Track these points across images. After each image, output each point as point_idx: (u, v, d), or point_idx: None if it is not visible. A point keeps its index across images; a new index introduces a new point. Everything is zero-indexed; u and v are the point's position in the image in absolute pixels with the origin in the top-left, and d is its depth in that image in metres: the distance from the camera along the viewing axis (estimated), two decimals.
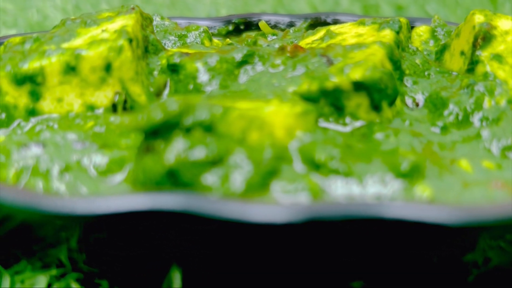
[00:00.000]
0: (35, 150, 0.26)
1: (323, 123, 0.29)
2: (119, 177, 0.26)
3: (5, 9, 0.71)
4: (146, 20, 0.34)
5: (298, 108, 0.26)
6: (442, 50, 0.37)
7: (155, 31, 0.40)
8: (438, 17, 0.42)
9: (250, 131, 0.25)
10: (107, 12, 0.34)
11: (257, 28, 0.46)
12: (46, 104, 0.30)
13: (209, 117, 0.24)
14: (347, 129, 0.29)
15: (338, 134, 0.27)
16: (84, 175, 0.26)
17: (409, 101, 0.32)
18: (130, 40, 0.30)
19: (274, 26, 0.46)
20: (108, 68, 0.29)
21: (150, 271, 0.24)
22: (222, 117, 0.24)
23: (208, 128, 0.24)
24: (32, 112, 0.30)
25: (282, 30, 0.44)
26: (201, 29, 0.39)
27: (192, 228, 0.21)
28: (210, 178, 0.23)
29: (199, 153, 0.23)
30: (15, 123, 0.30)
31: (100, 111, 0.30)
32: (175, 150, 0.23)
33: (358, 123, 0.29)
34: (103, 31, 0.31)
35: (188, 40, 0.38)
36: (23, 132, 0.30)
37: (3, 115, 0.30)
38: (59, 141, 0.27)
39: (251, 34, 0.42)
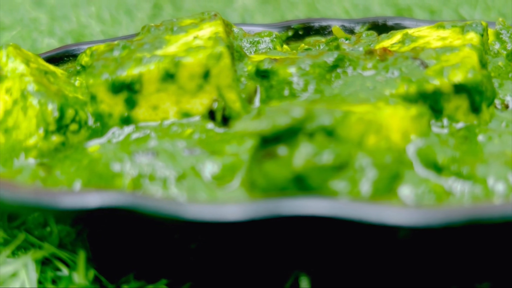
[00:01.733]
0: (148, 157, 0.26)
1: None
2: (234, 183, 0.26)
3: (38, 19, 0.70)
4: (228, 27, 0.34)
5: (413, 111, 0.26)
6: None
7: None
8: (502, 20, 0.42)
9: (368, 134, 0.25)
10: (188, 19, 0.34)
11: (316, 33, 0.46)
12: (141, 112, 0.30)
13: (332, 122, 0.24)
14: (445, 131, 0.29)
15: (450, 136, 0.27)
16: (200, 181, 0.26)
17: (497, 102, 0.32)
18: (228, 47, 0.30)
19: (331, 32, 0.46)
20: (206, 75, 0.29)
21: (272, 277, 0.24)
22: (342, 121, 0.24)
23: (330, 132, 0.24)
24: (126, 120, 0.30)
25: (351, 33, 0.44)
26: (274, 35, 0.39)
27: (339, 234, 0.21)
28: (339, 183, 0.23)
29: (327, 158, 0.23)
30: (110, 132, 0.30)
31: (195, 118, 0.30)
32: (303, 155, 0.23)
33: (457, 125, 0.29)
34: (195, 38, 0.31)
35: (261, 46, 0.38)
36: (120, 141, 0.29)
37: (98, 124, 0.30)
38: (169, 148, 0.27)
39: (320, 39, 0.42)
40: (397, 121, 0.26)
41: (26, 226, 0.28)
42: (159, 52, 0.30)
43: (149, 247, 0.25)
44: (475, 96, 0.29)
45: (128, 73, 0.29)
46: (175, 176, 0.25)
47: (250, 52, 0.38)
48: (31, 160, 0.28)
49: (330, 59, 0.31)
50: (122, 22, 0.67)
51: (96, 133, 0.30)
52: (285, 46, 0.40)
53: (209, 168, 0.26)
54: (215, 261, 0.25)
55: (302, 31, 0.46)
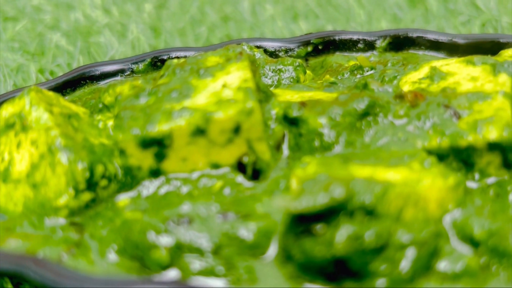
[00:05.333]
0: (183, 225, 0.26)
1: None
2: (270, 251, 0.26)
3: (41, 7, 0.68)
4: (253, 65, 0.33)
5: (451, 181, 0.26)
6: None
7: None
8: None
9: (406, 208, 0.25)
10: (213, 57, 0.33)
11: (335, 47, 0.45)
12: (170, 164, 0.29)
13: (373, 200, 0.24)
14: (476, 185, 0.29)
15: (483, 199, 0.27)
16: (236, 251, 0.26)
17: None
18: (260, 101, 0.29)
19: (352, 45, 0.45)
20: (237, 130, 0.29)
21: None
22: (382, 197, 0.24)
23: (370, 212, 0.24)
24: (155, 173, 0.30)
25: (372, 48, 0.43)
26: (297, 63, 0.38)
27: None
28: (379, 265, 0.23)
29: (369, 240, 0.23)
30: (140, 185, 0.30)
31: (225, 170, 0.30)
32: (345, 236, 0.23)
33: (488, 180, 0.29)
34: (224, 86, 0.30)
35: (284, 76, 0.38)
36: (150, 195, 0.29)
37: (127, 177, 0.29)
38: (203, 214, 0.27)
39: (342, 63, 0.41)
40: (435, 192, 0.25)
41: None
42: (187, 103, 0.29)
43: None
44: (509, 153, 0.28)
45: (159, 129, 0.28)
46: (211, 247, 0.25)
47: (273, 82, 0.38)
48: (62, 220, 0.28)
49: (360, 106, 0.31)
50: (130, 15, 0.65)
51: (126, 186, 0.30)
52: (308, 72, 0.40)
53: (244, 235, 0.26)
54: None
55: (321, 46, 0.45)
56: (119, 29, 0.62)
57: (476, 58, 0.35)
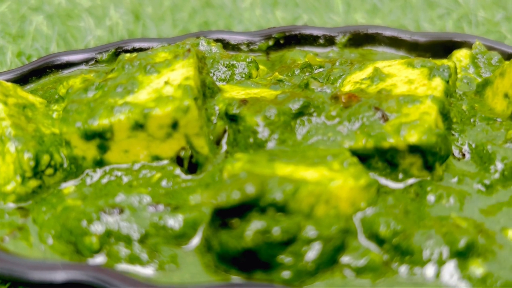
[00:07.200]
0: (114, 215, 0.28)
1: (376, 178, 0.31)
2: (194, 241, 0.28)
3: None
4: (201, 61, 0.35)
5: (362, 181, 0.28)
6: (484, 85, 0.38)
7: None
8: (479, 43, 0.43)
9: (318, 205, 0.27)
10: (163, 52, 0.35)
11: (296, 42, 0.47)
12: (113, 155, 0.31)
13: (283, 197, 0.26)
14: (400, 185, 0.31)
15: (396, 199, 0.29)
16: (162, 240, 0.28)
17: (456, 151, 0.33)
18: (196, 99, 0.31)
19: (313, 40, 0.47)
20: (174, 125, 0.31)
21: None
22: (293, 195, 0.26)
23: (281, 208, 0.26)
24: (99, 163, 0.32)
25: (332, 43, 0.44)
26: (249, 59, 0.39)
27: None
28: (285, 257, 0.25)
29: (276, 234, 0.25)
30: (84, 173, 0.32)
31: (165, 162, 0.32)
32: (253, 231, 0.25)
33: (410, 180, 0.31)
34: (166, 83, 0.32)
35: (237, 71, 0.39)
36: (93, 183, 0.31)
37: (72, 166, 0.32)
38: (135, 205, 0.29)
39: (297, 60, 0.42)
40: (346, 192, 0.27)
41: None
42: (130, 98, 0.31)
43: None
44: (428, 156, 0.30)
45: (100, 123, 0.30)
46: (138, 236, 0.28)
47: (226, 77, 0.39)
48: (11, 205, 0.30)
49: (295, 106, 0.32)
50: None
51: (71, 174, 0.32)
52: (262, 68, 0.41)
53: (171, 225, 0.28)
54: None
55: (283, 40, 0.46)
56: (100, 13, 0.64)
57: (416, 60, 0.36)
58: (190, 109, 0.30)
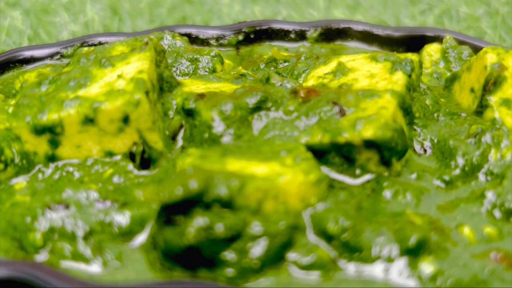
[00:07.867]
0: (59, 211, 0.28)
1: (333, 174, 0.30)
2: (141, 238, 0.27)
3: None
4: (160, 55, 0.34)
5: (312, 177, 0.27)
6: (452, 80, 0.37)
7: (167, 51, 0.40)
8: (450, 37, 0.42)
9: (266, 201, 0.26)
10: (120, 45, 0.34)
11: (267, 37, 0.46)
12: (65, 151, 0.31)
13: (228, 193, 0.25)
14: (358, 181, 0.30)
15: (349, 194, 0.28)
16: (107, 237, 0.27)
17: (417, 146, 0.33)
18: (147, 93, 0.30)
19: (284, 35, 0.46)
20: (125, 120, 0.30)
21: None
22: (239, 191, 0.25)
23: (227, 204, 0.25)
24: (51, 158, 0.31)
25: (302, 38, 0.43)
26: (213, 53, 0.39)
27: None
28: (229, 254, 0.25)
29: (219, 231, 0.25)
30: (35, 169, 0.31)
31: (118, 157, 0.31)
32: (196, 227, 0.25)
33: (367, 176, 0.30)
34: (119, 76, 0.31)
35: (201, 65, 0.39)
36: (44, 178, 0.31)
37: (24, 161, 0.31)
38: (82, 201, 0.28)
39: (264, 54, 0.41)
40: (295, 187, 0.27)
41: None
42: (81, 92, 0.31)
43: None
44: (385, 151, 0.29)
45: (49, 117, 0.30)
46: (82, 233, 0.27)
47: (189, 71, 0.39)
48: None
49: (252, 100, 0.32)
50: None
51: (23, 170, 0.31)
52: (228, 62, 0.40)
53: (118, 222, 0.28)
54: None
55: (253, 35, 0.46)
56: (77, 9, 0.63)
57: (380, 54, 0.35)
58: (141, 103, 0.30)
